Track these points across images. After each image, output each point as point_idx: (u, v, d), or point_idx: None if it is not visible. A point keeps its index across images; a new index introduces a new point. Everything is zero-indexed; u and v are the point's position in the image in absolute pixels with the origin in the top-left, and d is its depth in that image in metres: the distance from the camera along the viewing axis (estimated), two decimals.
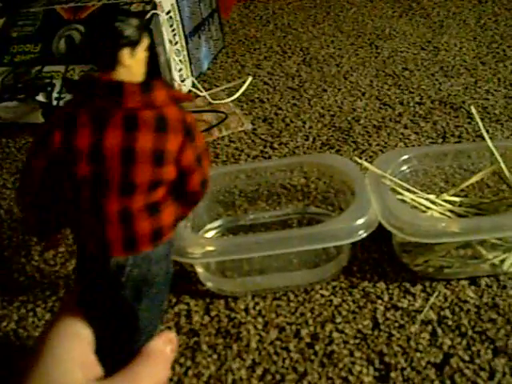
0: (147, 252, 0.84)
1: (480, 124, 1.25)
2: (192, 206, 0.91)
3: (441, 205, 1.22)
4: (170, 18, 1.84)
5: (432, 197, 1.23)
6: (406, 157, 1.24)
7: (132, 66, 0.80)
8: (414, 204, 1.20)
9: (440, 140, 1.60)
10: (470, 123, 1.67)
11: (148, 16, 1.73)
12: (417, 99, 1.80)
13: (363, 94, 1.85)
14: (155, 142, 0.79)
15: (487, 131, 1.63)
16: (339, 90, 1.89)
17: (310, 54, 2.13)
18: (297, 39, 2.26)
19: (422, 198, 1.21)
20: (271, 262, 1.19)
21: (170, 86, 0.82)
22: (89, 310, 0.88)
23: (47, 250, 1.34)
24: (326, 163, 1.28)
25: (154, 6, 1.77)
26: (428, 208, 1.20)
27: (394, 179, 1.18)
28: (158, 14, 1.76)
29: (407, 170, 1.24)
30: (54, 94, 1.82)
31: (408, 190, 1.20)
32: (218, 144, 1.67)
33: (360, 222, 1.08)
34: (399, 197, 1.19)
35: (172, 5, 1.86)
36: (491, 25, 2.24)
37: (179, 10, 1.90)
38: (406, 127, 1.67)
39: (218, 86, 1.98)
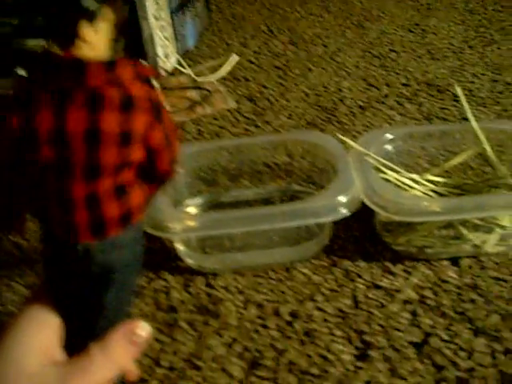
0: (115, 237, 0.81)
1: (465, 104, 1.24)
2: (161, 186, 0.87)
3: (424, 184, 1.21)
4: None
5: (415, 176, 1.22)
6: (390, 136, 1.23)
7: (94, 41, 0.75)
8: (397, 183, 1.19)
9: (425, 121, 1.59)
10: (455, 106, 1.66)
11: None
12: (403, 81, 1.79)
13: (349, 75, 1.84)
14: (121, 122, 0.74)
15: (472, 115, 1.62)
16: (325, 69, 1.87)
17: (297, 33, 2.11)
18: (284, 19, 2.23)
19: (405, 177, 1.20)
20: (252, 239, 1.18)
21: (137, 63, 0.78)
22: (57, 297, 0.86)
23: (14, 235, 1.32)
24: (309, 141, 1.27)
25: None
26: (411, 187, 1.20)
27: (377, 158, 1.17)
28: None
29: (391, 150, 1.23)
30: None
31: (391, 169, 1.19)
32: (202, 121, 1.65)
33: (342, 199, 1.07)
34: (382, 175, 1.17)
35: None
36: (479, 9, 2.23)
37: None
38: (391, 108, 1.66)
39: (202, 64, 1.96)
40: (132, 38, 1.74)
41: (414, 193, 1.19)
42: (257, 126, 1.61)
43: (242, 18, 2.24)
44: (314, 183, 1.34)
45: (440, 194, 1.22)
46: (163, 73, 1.87)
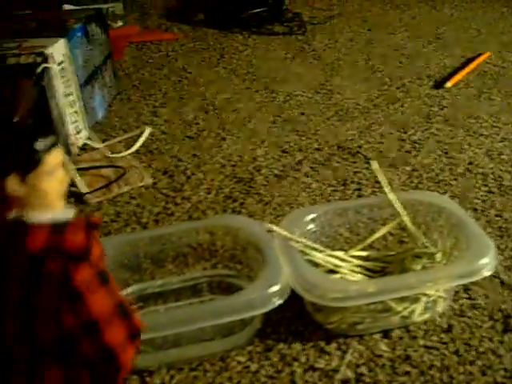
0: None
1: (382, 179, 1.29)
2: (101, 377, 0.75)
3: (350, 261, 1.24)
4: (63, 69, 1.77)
5: (340, 254, 1.25)
6: (312, 216, 1.25)
7: (24, 195, 0.69)
8: (324, 263, 1.21)
9: (341, 187, 1.64)
10: (367, 168, 1.72)
11: (39, 70, 1.66)
12: (315, 145, 1.84)
13: (262, 142, 1.86)
14: (25, 295, 0.69)
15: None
16: (238, 137, 1.89)
17: (207, 99, 2.13)
18: (193, 83, 2.25)
19: (331, 256, 1.22)
20: (185, 333, 1.16)
21: (61, 231, 0.71)
22: None
23: None
24: (231, 225, 1.27)
25: (45, 59, 1.70)
26: (338, 266, 1.22)
27: (301, 240, 1.19)
28: (49, 68, 1.69)
29: (314, 229, 1.25)
30: None
31: (316, 250, 1.21)
32: (118, 201, 1.62)
33: (274, 289, 1.07)
34: (309, 257, 1.19)
35: (64, 54, 1.79)
36: (379, 66, 2.34)
37: (72, 60, 1.83)
38: (306, 175, 1.69)
39: (114, 137, 1.93)
40: (41, 119, 1.69)
41: (342, 271, 1.21)
42: (176, 204, 1.60)
43: (150, 85, 2.24)
44: (239, 262, 1.33)
45: (366, 269, 1.25)
46: (75, 149, 1.83)
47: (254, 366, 1.15)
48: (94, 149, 1.85)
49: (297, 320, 1.24)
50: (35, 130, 0.71)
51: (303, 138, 1.86)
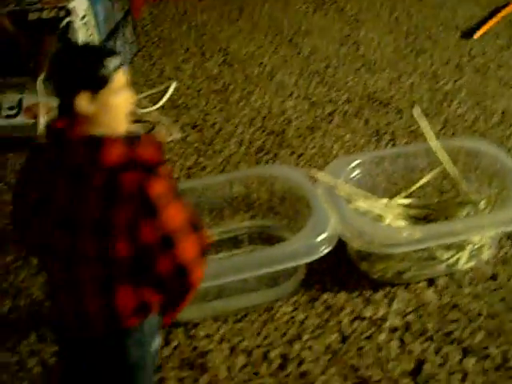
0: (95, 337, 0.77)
1: (425, 127, 1.25)
2: (173, 296, 0.78)
3: (394, 209, 1.21)
4: (85, 23, 1.73)
5: (385, 201, 1.22)
6: (354, 164, 1.23)
7: (95, 114, 0.70)
8: (369, 211, 1.18)
9: (374, 138, 1.61)
10: (400, 118, 1.69)
11: (63, 24, 1.62)
12: (345, 97, 1.80)
13: (291, 94, 1.82)
14: (101, 211, 0.69)
15: (418, 127, 1.64)
16: (265, 91, 1.85)
17: (230, 53, 2.08)
18: (214, 39, 2.20)
19: (376, 204, 1.19)
20: (229, 284, 1.14)
21: (135, 143, 0.72)
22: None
23: None
24: (267, 175, 1.26)
25: (68, 13, 1.65)
26: (382, 213, 1.19)
27: (347, 188, 1.16)
28: (72, 22, 1.65)
29: (358, 177, 1.23)
30: None
31: (361, 197, 1.18)
32: None
33: (321, 237, 1.06)
34: (354, 205, 1.17)
35: (86, 9, 1.75)
36: (404, 17, 2.28)
37: (94, 15, 1.79)
38: (338, 126, 1.66)
39: (139, 93, 1.89)
40: None
41: (387, 218, 1.19)
42: (207, 157, 1.58)
43: (170, 41, 2.19)
44: (278, 213, 1.31)
45: (410, 216, 1.23)
46: None
47: (300, 316, 1.14)
48: None
49: (341, 270, 1.22)
50: (102, 51, 0.72)
51: (332, 90, 1.82)
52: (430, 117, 1.68)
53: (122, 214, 0.69)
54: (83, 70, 0.69)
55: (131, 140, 0.71)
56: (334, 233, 1.07)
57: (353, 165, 1.22)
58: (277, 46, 2.11)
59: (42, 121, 1.62)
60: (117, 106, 0.70)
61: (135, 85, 1.93)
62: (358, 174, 1.23)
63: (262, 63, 2.00)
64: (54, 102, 1.59)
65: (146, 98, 1.86)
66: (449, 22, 2.22)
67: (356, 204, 1.17)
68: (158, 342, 0.81)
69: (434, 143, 1.23)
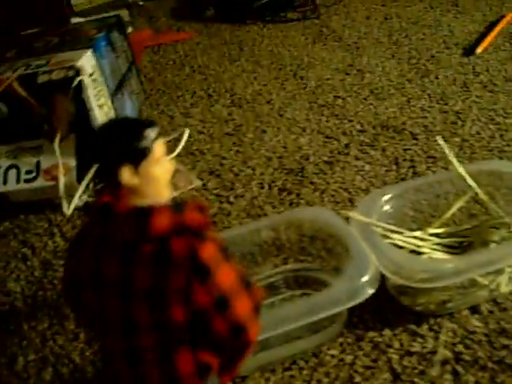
0: None
1: (449, 154, 1.26)
2: (230, 356, 0.78)
3: (429, 240, 1.21)
4: (94, 80, 1.74)
5: (419, 233, 1.22)
6: (385, 198, 1.23)
7: (138, 185, 0.72)
8: (405, 245, 1.18)
9: (394, 166, 1.61)
10: (416, 145, 1.69)
11: (75, 83, 1.63)
12: (358, 127, 1.80)
13: (304, 130, 1.83)
14: (154, 279, 0.71)
15: (436, 150, 1.65)
16: (278, 128, 1.86)
17: (237, 94, 2.10)
18: (218, 80, 2.21)
19: (411, 237, 1.19)
20: (273, 335, 1.13)
21: (181, 210, 0.73)
22: None
23: None
24: (296, 218, 1.25)
25: (78, 72, 1.67)
26: (419, 246, 1.19)
27: (380, 224, 1.16)
28: (82, 80, 1.66)
29: (389, 211, 1.23)
30: None
31: (396, 232, 1.18)
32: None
33: (365, 279, 1.05)
34: (390, 241, 1.17)
35: (94, 65, 1.76)
36: (403, 40, 2.30)
37: (101, 70, 1.80)
38: (357, 158, 1.66)
39: None
40: (83, 134, 1.67)
41: (423, 251, 1.19)
42: (230, 203, 1.58)
43: (176, 87, 2.21)
44: (311, 255, 1.30)
45: (446, 246, 1.22)
46: None
47: (348, 358, 1.13)
48: None
49: (382, 306, 1.21)
50: (142, 123, 0.74)
51: (344, 122, 1.83)
52: (445, 139, 1.68)
53: (174, 281, 0.70)
54: (125, 144, 0.71)
55: (177, 207, 0.73)
56: (376, 272, 1.07)
57: (383, 199, 1.22)
58: (282, 82, 2.13)
59: (62, 181, 1.62)
60: (158, 176, 0.73)
61: None
62: (388, 209, 1.23)
63: (270, 101, 2.02)
64: (72, 162, 1.60)
65: None
66: (448, 41, 2.24)
67: (392, 239, 1.17)
68: None
69: (460, 169, 1.24)
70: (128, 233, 0.71)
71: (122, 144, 0.71)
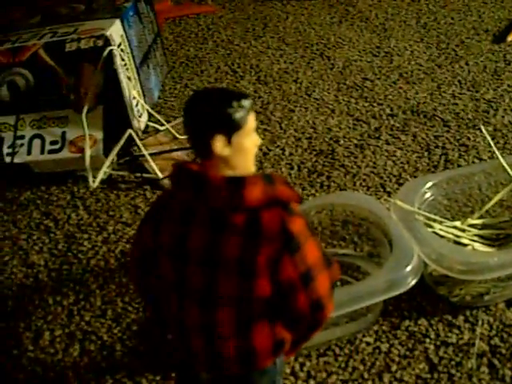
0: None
1: (493, 146, 1.24)
2: (303, 332, 0.77)
3: (469, 231, 1.20)
4: (122, 50, 1.71)
5: (458, 223, 1.21)
6: (427, 186, 1.21)
7: (229, 156, 0.71)
8: (445, 234, 1.17)
9: (426, 153, 1.59)
10: (448, 131, 1.67)
11: (105, 53, 1.60)
12: (388, 111, 1.78)
13: (333, 111, 1.81)
14: (243, 251, 0.69)
15: (468, 138, 1.63)
16: (306, 108, 1.83)
17: (263, 70, 2.06)
18: (243, 56, 2.18)
19: (451, 226, 1.18)
20: None
21: (273, 182, 0.72)
22: None
23: None
24: (340, 202, 1.23)
25: (107, 41, 1.63)
26: (458, 237, 1.18)
27: (422, 213, 1.15)
28: (112, 51, 1.63)
29: (431, 198, 1.21)
30: (5, 150, 1.65)
31: (437, 221, 1.17)
32: None
33: (409, 269, 1.04)
34: (431, 229, 1.15)
35: (122, 36, 1.73)
36: (432, 24, 2.26)
37: (128, 41, 1.77)
38: (387, 143, 1.64)
39: (175, 117, 1.87)
40: (111, 106, 1.64)
41: (463, 241, 1.18)
42: None
43: (199, 60, 2.17)
44: (354, 243, 1.29)
45: (485, 237, 1.21)
46: (140, 133, 1.77)
47: (384, 346, 1.12)
48: (158, 131, 1.79)
49: (418, 295, 1.20)
50: (236, 94, 0.72)
51: (374, 105, 1.81)
52: (478, 127, 1.66)
53: (264, 253, 0.69)
54: (220, 114, 0.69)
55: (268, 178, 0.72)
56: (419, 262, 1.05)
57: (426, 186, 1.21)
58: (309, 61, 2.09)
59: (89, 153, 1.60)
60: (249, 148, 0.72)
61: (170, 109, 1.92)
62: (429, 197, 1.21)
63: (297, 79, 1.99)
64: (99, 135, 1.58)
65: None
66: (478, 27, 2.21)
67: (433, 228, 1.16)
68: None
69: (502, 159, 1.22)
70: (219, 202, 0.70)
71: (217, 113, 0.69)
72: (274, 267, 0.70)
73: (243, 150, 0.71)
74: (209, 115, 0.69)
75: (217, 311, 0.72)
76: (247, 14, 2.52)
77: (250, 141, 0.72)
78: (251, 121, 0.72)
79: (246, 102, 0.71)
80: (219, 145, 0.69)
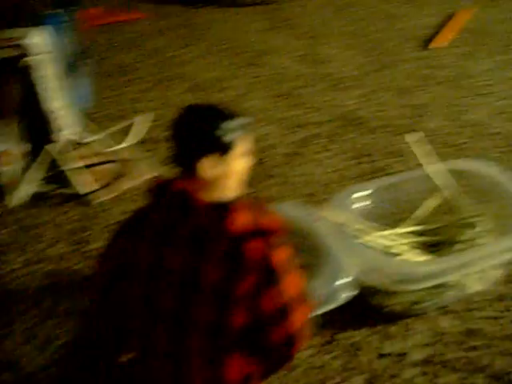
0: None
1: (421, 154, 1.25)
2: (274, 365, 0.76)
3: (399, 240, 1.20)
4: (43, 60, 1.63)
5: (390, 232, 1.21)
6: (356, 196, 1.21)
7: (216, 178, 0.68)
8: (376, 245, 1.17)
9: (355, 160, 1.59)
10: (377, 138, 1.68)
11: (22, 64, 1.52)
12: (318, 119, 1.78)
13: (263, 120, 1.79)
14: (222, 279, 0.67)
15: (396, 145, 1.65)
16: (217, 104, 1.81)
17: (193, 79, 2.03)
18: (173, 64, 2.14)
19: (383, 235, 1.18)
20: None
21: (259, 210, 0.69)
22: None
23: None
24: None
25: (27, 51, 1.55)
26: (389, 246, 1.18)
27: (353, 224, 1.14)
28: (31, 60, 1.55)
29: (360, 208, 1.21)
30: None
31: (366, 232, 1.17)
32: (125, 198, 1.52)
33: (340, 282, 1.03)
34: (361, 240, 1.15)
35: (44, 45, 1.65)
36: (360, 31, 2.28)
37: (53, 49, 1.69)
38: (317, 151, 1.64)
39: (106, 128, 1.81)
40: (31, 116, 1.57)
41: (394, 251, 1.18)
42: None
43: (130, 68, 2.11)
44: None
45: (415, 245, 1.22)
46: (68, 145, 1.70)
47: (319, 361, 1.11)
48: (86, 143, 1.73)
49: (353, 305, 1.19)
50: (229, 114, 0.71)
51: (304, 113, 1.80)
52: (406, 133, 1.68)
53: (244, 283, 0.67)
54: (208, 136, 0.67)
55: (256, 205, 0.70)
56: (350, 275, 1.04)
57: (354, 198, 1.20)
58: (239, 69, 2.07)
59: (8, 169, 1.52)
60: (238, 171, 0.70)
61: (101, 119, 1.86)
62: (359, 207, 1.21)
63: (226, 88, 1.96)
64: (19, 149, 1.49)
65: (114, 133, 1.78)
66: (405, 33, 2.25)
67: (363, 239, 1.15)
68: None
69: (431, 168, 1.23)
70: (203, 226, 0.67)
71: (206, 135, 0.68)
72: (253, 298, 0.68)
73: (231, 173, 0.69)
74: (197, 136, 0.67)
75: (188, 338, 0.69)
76: (177, 21, 2.48)
77: (239, 163, 0.70)
78: (242, 143, 0.70)
79: (237, 123, 0.70)
80: (207, 166, 0.67)
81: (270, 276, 0.68)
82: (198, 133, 0.67)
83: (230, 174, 0.69)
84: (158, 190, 0.71)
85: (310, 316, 0.74)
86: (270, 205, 1.38)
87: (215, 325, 0.69)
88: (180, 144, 0.69)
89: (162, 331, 0.71)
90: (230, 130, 0.68)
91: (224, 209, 0.67)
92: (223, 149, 0.67)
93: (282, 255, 0.69)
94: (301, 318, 0.72)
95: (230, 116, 0.70)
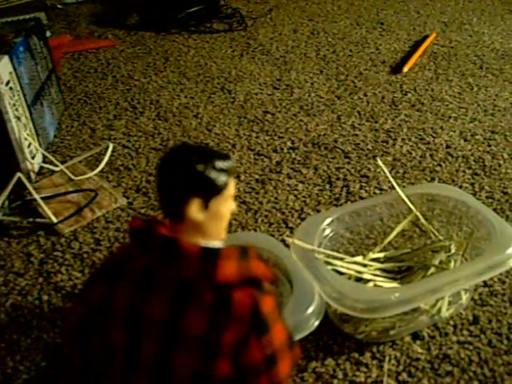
0: None
1: (391, 179, 1.24)
2: None
3: (370, 265, 1.18)
4: (11, 89, 1.62)
5: (360, 258, 1.19)
6: (326, 222, 1.19)
7: (203, 222, 0.65)
8: (346, 271, 1.15)
9: (327, 186, 1.58)
10: (349, 162, 1.67)
11: None
12: (289, 144, 1.77)
13: (233, 146, 1.78)
14: (208, 329, 0.64)
15: (368, 169, 1.64)
16: (206, 144, 1.80)
17: (163, 106, 2.02)
18: (143, 91, 2.13)
19: (352, 262, 1.16)
20: None
21: (247, 257, 0.67)
22: None
23: None
24: (243, 241, 1.19)
25: None
26: (360, 272, 1.16)
27: (321, 251, 1.12)
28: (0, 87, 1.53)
29: (330, 235, 1.19)
30: None
31: (337, 258, 1.15)
32: (96, 228, 1.49)
33: (310, 311, 1.01)
34: (331, 267, 1.13)
35: (10, 73, 1.64)
36: (331, 56, 2.29)
37: (18, 78, 1.68)
38: (289, 177, 1.63)
39: (72, 157, 1.79)
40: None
41: (365, 277, 1.16)
42: None
43: (98, 96, 2.10)
44: None
45: (387, 271, 1.20)
46: (33, 175, 1.68)
47: None
48: (52, 172, 1.71)
49: (323, 334, 1.17)
50: (218, 155, 0.67)
51: (275, 138, 1.79)
52: (378, 157, 1.68)
53: (231, 333, 0.64)
54: (199, 176, 0.65)
55: (243, 252, 0.67)
56: (321, 303, 1.03)
57: (323, 224, 1.19)
58: (210, 95, 2.07)
59: None
60: (224, 215, 0.67)
61: (67, 149, 1.83)
62: (329, 233, 1.19)
63: (197, 115, 1.95)
64: None
65: (80, 162, 1.76)
66: (375, 58, 2.26)
67: (333, 265, 1.13)
68: None
69: (401, 192, 1.22)
70: (189, 273, 0.65)
71: (196, 176, 0.65)
72: (239, 349, 0.65)
73: (219, 216, 0.67)
74: (186, 177, 0.64)
75: None
76: (148, 48, 2.47)
77: (226, 207, 0.68)
78: (231, 186, 0.68)
79: (228, 165, 0.67)
80: (194, 209, 0.65)
81: (258, 326, 0.66)
82: (187, 173, 0.64)
83: (218, 216, 0.67)
84: (141, 231, 0.68)
85: (294, 363, 0.73)
86: (239, 233, 1.37)
87: (199, 375, 0.66)
88: (167, 185, 0.66)
89: (143, 381, 0.68)
90: (222, 172, 0.66)
91: (212, 256, 0.64)
92: (214, 191, 0.65)
93: (269, 304, 0.67)
94: (286, 367, 0.70)
95: (220, 157, 0.67)
